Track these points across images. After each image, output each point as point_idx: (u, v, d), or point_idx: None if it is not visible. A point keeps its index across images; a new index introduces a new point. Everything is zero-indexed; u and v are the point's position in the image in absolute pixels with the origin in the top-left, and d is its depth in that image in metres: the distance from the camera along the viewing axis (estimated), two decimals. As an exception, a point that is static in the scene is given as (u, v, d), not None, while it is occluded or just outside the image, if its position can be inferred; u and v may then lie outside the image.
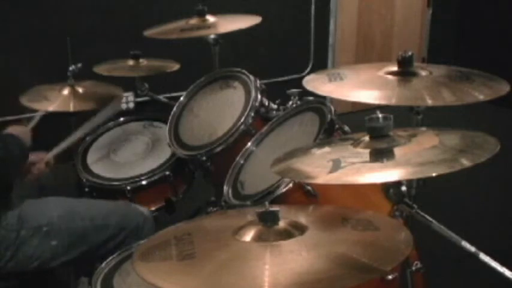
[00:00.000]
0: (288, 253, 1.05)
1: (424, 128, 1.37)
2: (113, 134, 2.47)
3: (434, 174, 1.06)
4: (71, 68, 2.27)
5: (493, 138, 1.19)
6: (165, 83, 2.64)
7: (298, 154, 1.34)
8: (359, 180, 1.13)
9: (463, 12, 4.53)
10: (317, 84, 1.56)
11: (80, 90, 2.27)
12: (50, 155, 2.05)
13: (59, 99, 2.22)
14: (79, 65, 2.29)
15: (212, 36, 2.39)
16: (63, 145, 2.12)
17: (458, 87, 1.48)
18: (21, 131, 1.96)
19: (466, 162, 1.08)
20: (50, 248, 1.74)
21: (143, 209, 1.97)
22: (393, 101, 1.40)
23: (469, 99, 1.40)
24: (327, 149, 1.35)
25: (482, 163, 1.08)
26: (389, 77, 1.52)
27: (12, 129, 1.95)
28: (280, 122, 1.97)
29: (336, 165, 1.15)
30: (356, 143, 1.24)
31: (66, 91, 2.25)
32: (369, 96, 1.48)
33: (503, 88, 1.45)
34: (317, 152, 1.34)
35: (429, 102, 1.41)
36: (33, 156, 1.96)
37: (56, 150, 2.09)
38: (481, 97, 1.41)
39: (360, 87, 1.54)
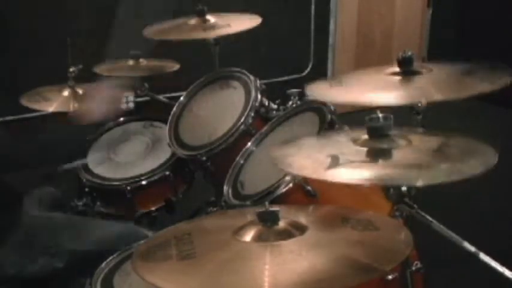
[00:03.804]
0: (288, 253, 1.05)
1: (423, 129, 1.37)
2: (113, 134, 2.47)
3: (422, 183, 1.07)
4: (71, 70, 2.27)
5: (491, 147, 1.19)
6: (165, 83, 2.64)
7: (297, 147, 1.34)
8: (357, 179, 1.13)
9: (463, 12, 4.53)
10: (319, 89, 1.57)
11: (80, 91, 2.27)
12: None
13: (59, 100, 2.22)
14: (79, 66, 2.29)
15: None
16: None
17: (460, 81, 1.48)
18: None
19: (462, 172, 1.09)
20: (55, 268, 1.72)
21: (149, 234, 1.94)
22: (395, 100, 1.41)
23: (472, 91, 1.40)
24: (326, 145, 1.35)
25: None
26: (391, 77, 1.52)
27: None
28: (280, 122, 1.97)
29: (334, 163, 1.16)
30: (356, 142, 1.24)
31: (66, 92, 2.25)
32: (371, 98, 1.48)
33: (505, 78, 1.44)
34: (316, 147, 1.35)
35: (434, 97, 1.41)
36: None
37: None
38: (484, 87, 1.40)
39: (361, 90, 1.54)
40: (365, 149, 1.22)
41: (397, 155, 1.18)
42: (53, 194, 2.05)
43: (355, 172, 1.17)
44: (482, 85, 1.41)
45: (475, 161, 1.15)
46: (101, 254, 1.78)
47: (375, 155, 1.20)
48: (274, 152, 1.32)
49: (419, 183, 1.06)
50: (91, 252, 1.79)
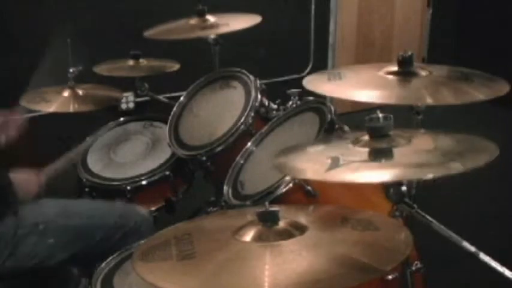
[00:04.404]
0: (288, 253, 1.05)
1: (423, 130, 1.37)
2: (113, 134, 2.47)
3: (431, 176, 1.06)
4: (71, 70, 2.27)
5: (492, 143, 1.19)
6: (165, 83, 2.65)
7: (298, 151, 1.35)
8: (358, 179, 1.14)
9: (463, 12, 4.53)
10: (317, 83, 1.57)
11: (80, 92, 2.27)
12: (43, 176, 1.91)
13: (59, 101, 2.22)
14: (79, 67, 2.30)
15: (212, 36, 2.40)
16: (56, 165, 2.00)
17: (458, 87, 1.48)
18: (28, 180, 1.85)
19: (463, 166, 1.09)
20: (48, 245, 1.73)
21: (142, 209, 1.96)
22: (393, 101, 1.41)
23: (469, 99, 1.41)
24: (326, 147, 1.35)
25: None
26: (389, 76, 1.52)
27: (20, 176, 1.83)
28: (280, 122, 1.97)
29: (335, 164, 1.16)
30: (356, 143, 1.24)
31: (66, 93, 2.25)
32: (369, 96, 1.48)
33: (502, 88, 1.45)
34: (316, 149, 1.35)
35: (429, 101, 1.42)
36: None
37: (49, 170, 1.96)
38: (481, 96, 1.41)
39: (360, 87, 1.54)
40: (366, 149, 1.22)
41: (399, 154, 1.18)
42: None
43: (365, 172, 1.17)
44: (477, 94, 1.42)
45: (479, 154, 1.15)
46: (93, 228, 1.79)
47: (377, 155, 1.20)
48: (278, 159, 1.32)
49: (429, 176, 1.06)
50: (81, 226, 1.79)
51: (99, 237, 1.80)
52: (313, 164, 1.24)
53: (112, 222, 1.83)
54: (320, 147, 1.37)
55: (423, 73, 1.53)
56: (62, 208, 1.83)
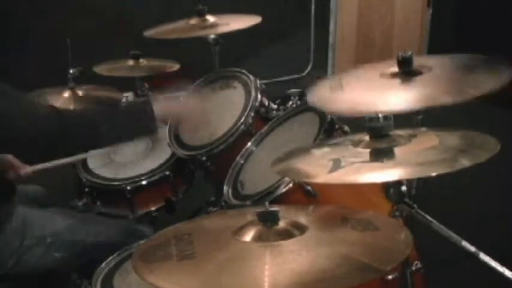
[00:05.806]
0: (288, 253, 1.05)
1: (424, 128, 1.37)
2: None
3: (434, 174, 1.06)
4: (71, 71, 2.27)
5: (493, 138, 1.19)
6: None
7: (299, 154, 1.35)
8: (359, 179, 1.13)
9: (463, 12, 4.53)
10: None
11: (80, 93, 2.27)
12: (29, 169, 1.86)
13: (59, 102, 2.22)
14: (80, 68, 2.30)
15: (212, 36, 2.40)
16: (46, 165, 1.95)
17: (458, 87, 1.48)
18: None
19: (466, 162, 1.09)
20: (53, 259, 1.73)
21: (147, 230, 1.95)
22: (396, 107, 1.40)
23: (472, 93, 1.40)
24: (327, 148, 1.35)
25: (483, 163, 1.08)
26: (390, 81, 1.52)
27: None
28: (280, 122, 1.97)
29: (336, 165, 1.16)
30: (356, 143, 1.24)
31: (66, 94, 2.25)
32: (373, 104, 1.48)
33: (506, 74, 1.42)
34: (317, 151, 1.35)
35: (429, 102, 1.41)
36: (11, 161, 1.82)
37: (38, 167, 1.92)
38: (486, 87, 1.39)
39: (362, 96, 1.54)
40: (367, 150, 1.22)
41: (400, 153, 1.18)
42: (39, 192, 2.05)
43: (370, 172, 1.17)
44: (485, 83, 1.40)
45: (482, 150, 1.15)
46: (98, 246, 1.79)
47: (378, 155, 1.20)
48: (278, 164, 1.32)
49: (432, 173, 1.06)
50: (88, 243, 1.79)
51: (104, 255, 1.76)
52: (315, 166, 1.24)
53: (118, 243, 1.80)
54: (320, 150, 1.37)
55: (424, 73, 1.53)
56: (70, 222, 1.82)
